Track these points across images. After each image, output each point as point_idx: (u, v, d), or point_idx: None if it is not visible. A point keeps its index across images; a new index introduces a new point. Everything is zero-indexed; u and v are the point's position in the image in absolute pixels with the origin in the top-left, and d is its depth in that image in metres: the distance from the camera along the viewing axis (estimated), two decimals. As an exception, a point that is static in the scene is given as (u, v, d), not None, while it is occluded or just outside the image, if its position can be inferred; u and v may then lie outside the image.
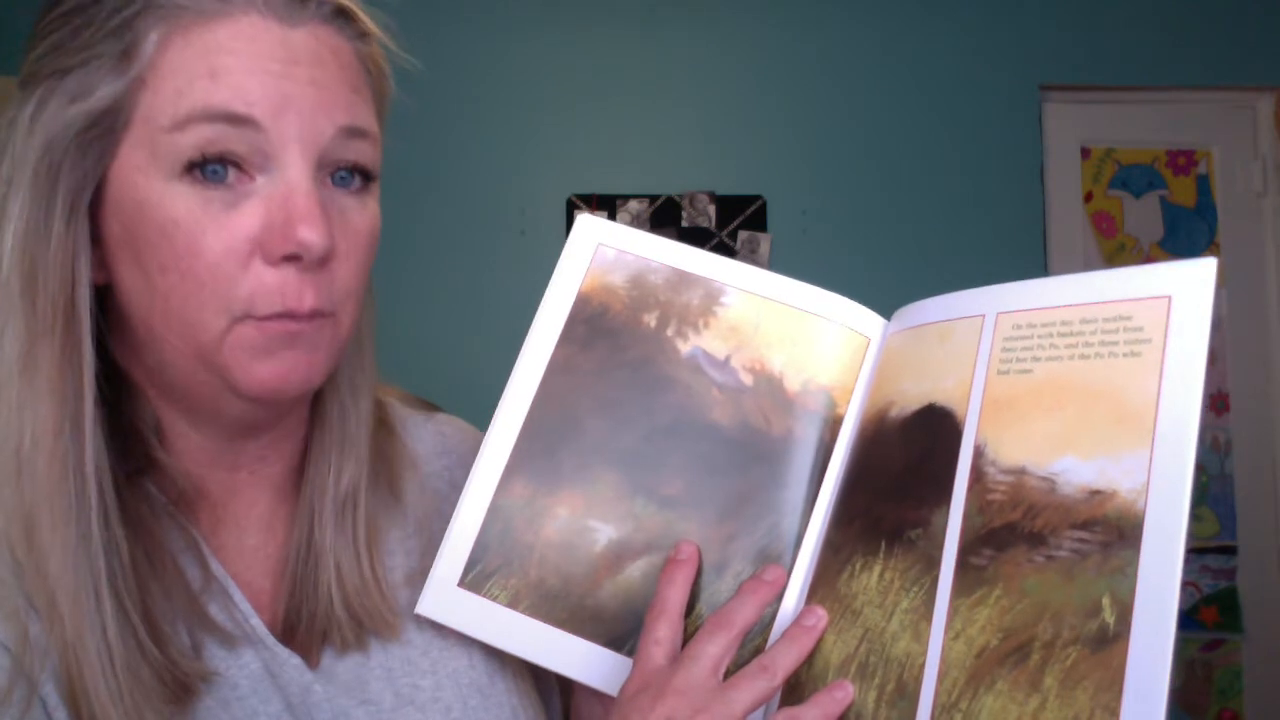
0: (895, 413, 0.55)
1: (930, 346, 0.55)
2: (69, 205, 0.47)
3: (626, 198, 2.56)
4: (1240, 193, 2.57)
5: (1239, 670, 2.45)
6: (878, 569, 0.52)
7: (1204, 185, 2.58)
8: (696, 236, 2.52)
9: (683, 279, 0.61)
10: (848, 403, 0.58)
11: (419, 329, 2.34)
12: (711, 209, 2.55)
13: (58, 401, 0.46)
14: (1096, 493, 0.43)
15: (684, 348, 0.60)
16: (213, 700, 0.49)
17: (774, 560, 0.55)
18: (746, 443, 0.57)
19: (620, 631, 0.55)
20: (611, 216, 2.55)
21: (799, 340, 0.59)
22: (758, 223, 2.54)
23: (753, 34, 2.59)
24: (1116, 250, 2.55)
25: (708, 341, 0.60)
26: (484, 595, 0.57)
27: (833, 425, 0.57)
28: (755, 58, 2.59)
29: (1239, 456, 2.51)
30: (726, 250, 2.51)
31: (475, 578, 0.57)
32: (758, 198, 2.55)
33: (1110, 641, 0.39)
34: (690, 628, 0.54)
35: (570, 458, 0.58)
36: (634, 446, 0.58)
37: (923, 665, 0.46)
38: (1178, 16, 2.56)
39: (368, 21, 0.53)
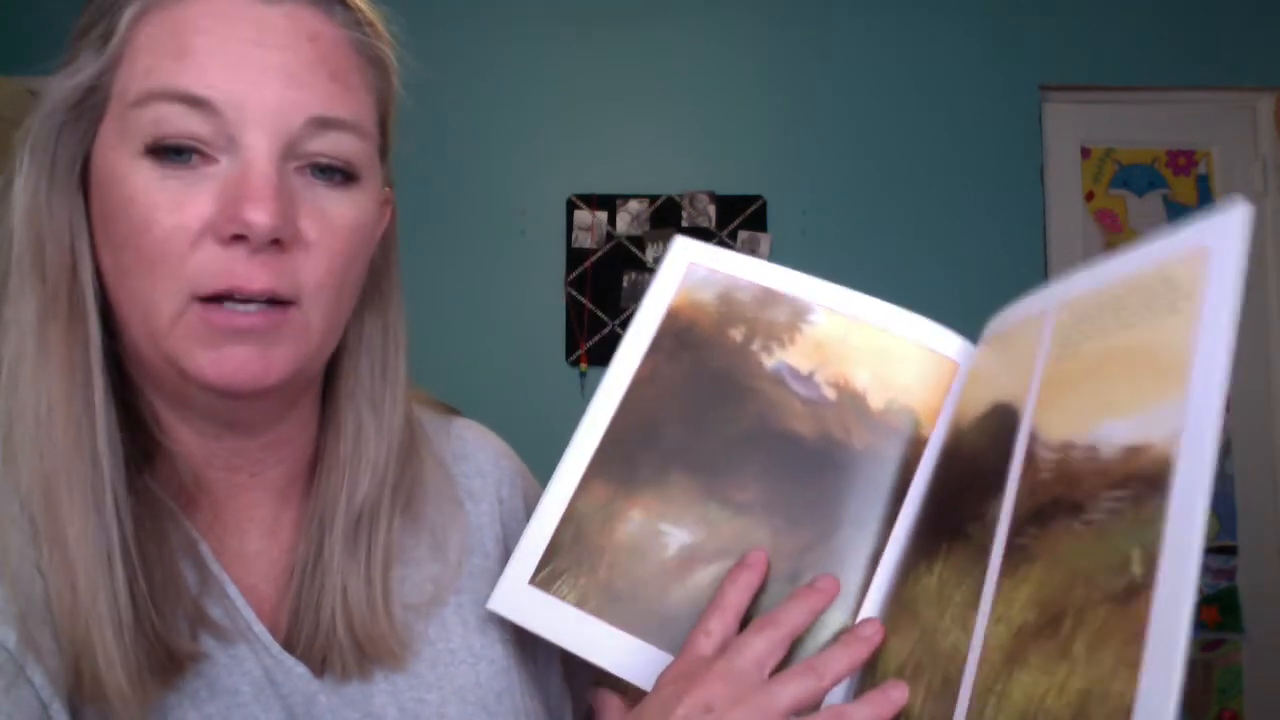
0: (966, 423, 0.55)
1: (999, 353, 0.56)
2: (63, 179, 0.48)
3: (626, 198, 2.55)
4: (1240, 193, 2.56)
5: (1239, 670, 2.45)
6: (938, 569, 0.51)
7: (1204, 185, 2.58)
8: (696, 237, 2.51)
9: (770, 296, 0.61)
10: (933, 424, 0.57)
11: (418, 328, 2.33)
12: (711, 209, 2.55)
13: (67, 376, 0.47)
14: (1132, 449, 0.41)
15: (768, 362, 0.60)
16: (214, 707, 0.49)
17: (847, 573, 0.54)
18: (826, 454, 0.57)
19: (685, 639, 0.54)
20: (611, 216, 2.55)
21: (885, 360, 0.59)
22: (758, 223, 2.54)
23: (753, 34, 2.59)
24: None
25: (792, 356, 0.60)
26: (552, 594, 0.56)
27: (916, 445, 0.57)
28: (755, 58, 2.59)
29: (1239, 456, 2.51)
30: (726, 250, 2.51)
31: (546, 576, 0.57)
32: (758, 198, 2.55)
33: (1136, 593, 0.38)
34: None
35: (647, 462, 0.59)
36: (711, 453, 0.58)
37: (966, 654, 0.46)
38: (1178, 16, 2.56)
39: (365, 10, 0.52)
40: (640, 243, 2.55)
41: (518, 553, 0.58)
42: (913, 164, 2.54)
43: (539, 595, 0.57)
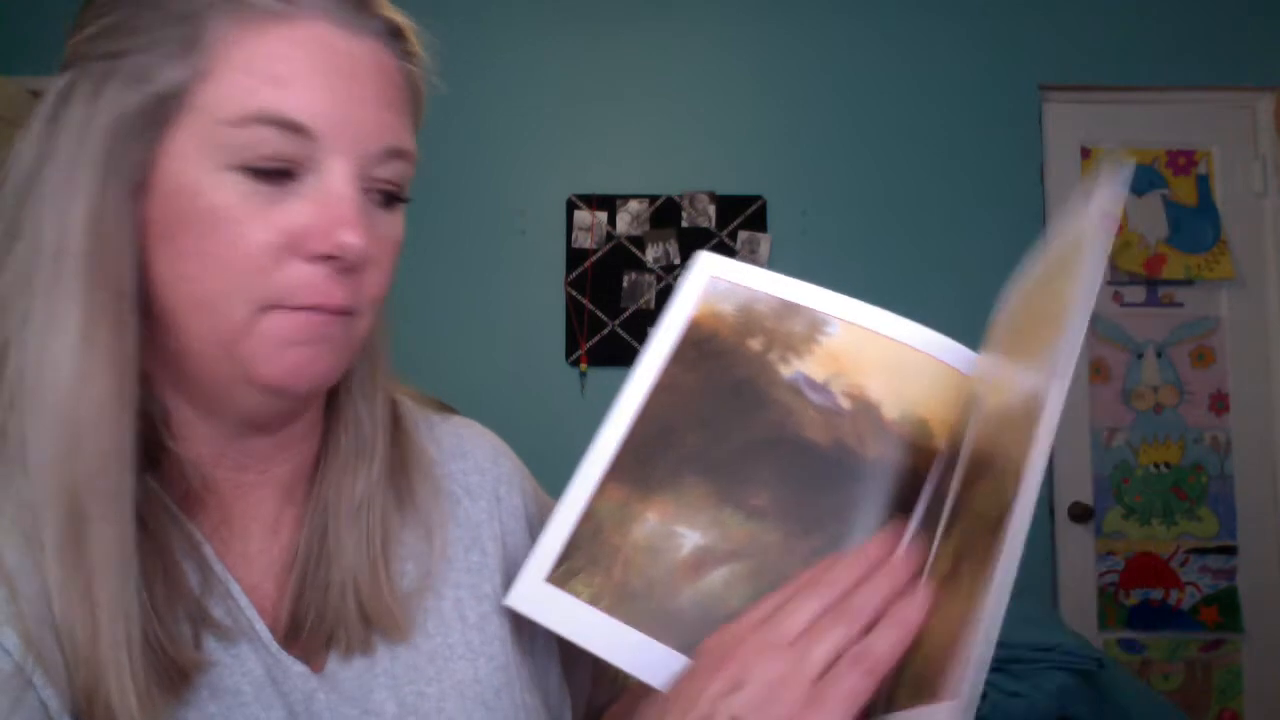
0: (958, 427, 0.57)
1: (985, 354, 0.59)
2: (129, 186, 0.48)
3: (626, 198, 2.56)
4: (1240, 193, 2.57)
5: (1239, 670, 2.46)
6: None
7: (1204, 185, 2.58)
8: (696, 237, 2.52)
9: (789, 309, 0.63)
10: (944, 435, 0.58)
11: (419, 329, 2.34)
12: (711, 209, 2.55)
13: (115, 381, 0.48)
14: (1029, 396, 0.44)
15: (786, 371, 0.61)
16: (216, 708, 0.49)
17: None
18: (839, 461, 0.58)
19: (696, 638, 0.55)
20: (611, 216, 2.55)
21: (899, 372, 0.60)
22: (758, 223, 2.54)
23: (753, 34, 2.60)
24: (1122, 247, 2.55)
25: (809, 366, 0.61)
26: (567, 591, 0.58)
27: (927, 455, 0.58)
28: (755, 58, 2.60)
29: (1239, 456, 2.51)
30: (726, 250, 2.51)
31: (562, 574, 0.58)
32: (758, 198, 2.55)
33: (1005, 516, 0.41)
34: None
35: (664, 466, 0.60)
36: (726, 458, 0.59)
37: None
38: (1177, 16, 2.56)
39: (415, 43, 0.55)
40: (640, 243, 2.55)
41: (535, 551, 0.59)
42: (913, 164, 2.54)
43: (555, 592, 0.58)
